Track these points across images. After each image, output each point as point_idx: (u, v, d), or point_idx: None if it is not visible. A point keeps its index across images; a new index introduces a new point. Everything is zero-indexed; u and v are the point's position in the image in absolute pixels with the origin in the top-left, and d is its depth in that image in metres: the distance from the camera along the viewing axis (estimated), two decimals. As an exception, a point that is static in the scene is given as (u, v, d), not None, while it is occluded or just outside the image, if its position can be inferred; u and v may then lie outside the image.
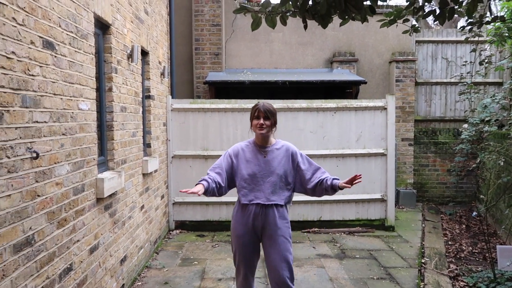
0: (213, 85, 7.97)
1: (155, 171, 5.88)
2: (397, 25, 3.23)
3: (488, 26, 4.30)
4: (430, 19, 21.95)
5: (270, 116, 3.30)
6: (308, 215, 6.92)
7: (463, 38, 9.03)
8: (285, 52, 8.99)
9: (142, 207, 5.21)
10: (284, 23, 2.99)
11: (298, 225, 6.87)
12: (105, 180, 3.64)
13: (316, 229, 6.84)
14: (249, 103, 6.78)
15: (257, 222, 3.31)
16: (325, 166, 6.85)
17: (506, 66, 7.11)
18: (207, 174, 3.30)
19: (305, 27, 3.00)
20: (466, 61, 7.79)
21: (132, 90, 4.76)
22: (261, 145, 3.37)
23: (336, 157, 6.90)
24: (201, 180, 3.17)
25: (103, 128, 4.04)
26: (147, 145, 5.68)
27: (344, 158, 6.91)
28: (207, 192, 3.16)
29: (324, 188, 3.32)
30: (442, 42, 9.12)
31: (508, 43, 4.83)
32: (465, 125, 8.12)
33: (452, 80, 9.04)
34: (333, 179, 3.32)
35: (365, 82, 7.87)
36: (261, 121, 3.26)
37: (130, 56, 4.62)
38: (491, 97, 7.31)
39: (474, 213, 8.24)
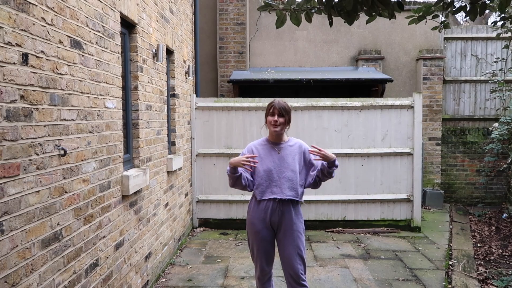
0: (237, 84, 7.99)
1: (179, 169, 5.93)
2: (426, 21, 3.15)
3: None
4: (459, 16, 21.40)
5: (285, 113, 3.37)
6: (332, 214, 6.85)
7: (493, 34, 8.81)
8: (309, 50, 8.93)
9: (167, 204, 5.26)
10: (309, 20, 2.96)
11: (322, 225, 6.82)
12: (130, 178, 3.69)
13: (340, 228, 6.77)
14: (273, 102, 6.76)
15: (274, 217, 3.38)
16: (350, 165, 6.82)
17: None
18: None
19: (331, 23, 2.95)
20: (498, 58, 7.56)
21: (157, 89, 4.81)
22: (275, 142, 3.44)
23: (361, 156, 6.80)
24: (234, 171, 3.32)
25: (129, 126, 4.10)
26: (171, 143, 5.73)
27: (369, 158, 6.81)
28: (242, 178, 3.33)
29: (320, 175, 3.43)
30: (472, 39, 8.88)
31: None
32: (496, 124, 7.89)
33: (482, 78, 8.80)
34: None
35: (391, 80, 7.74)
36: (276, 118, 3.33)
37: (155, 55, 4.66)
38: (523, 95, 7.07)
39: (505, 215, 8.00)
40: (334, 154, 6.87)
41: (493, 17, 19.69)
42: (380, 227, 6.80)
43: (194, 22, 7.18)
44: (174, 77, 5.78)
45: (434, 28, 3.63)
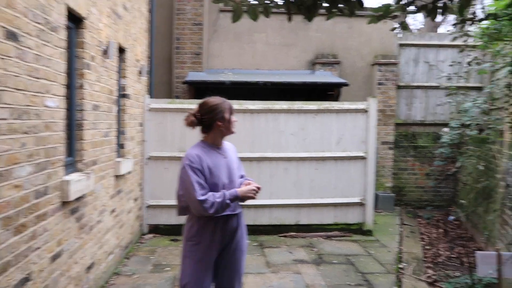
0: (192, 85, 7.82)
1: (129, 172, 5.71)
2: (386, 21, 3.12)
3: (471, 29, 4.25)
4: (411, 23, 22.06)
5: None
6: (286, 219, 6.82)
7: (445, 42, 9.12)
8: (268, 53, 8.89)
9: (113, 210, 5.03)
10: (266, 14, 2.88)
11: (275, 229, 6.77)
12: (72, 183, 3.47)
13: (293, 233, 6.74)
14: (229, 104, 6.64)
15: (226, 234, 2.97)
16: (305, 169, 6.82)
17: (490, 70, 7.12)
18: (206, 197, 2.80)
19: (289, 18, 2.89)
20: (454, 61, 7.78)
21: (106, 88, 4.59)
22: (218, 146, 3.02)
23: (316, 160, 6.81)
24: (223, 199, 2.82)
25: (73, 127, 3.86)
26: (120, 146, 5.49)
27: (324, 161, 6.83)
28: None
29: None
30: (425, 46, 9.13)
31: (493, 46, 4.81)
32: (446, 129, 8.13)
33: (433, 84, 9.07)
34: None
35: (347, 85, 7.82)
36: (235, 118, 3.03)
37: (105, 53, 4.44)
38: (472, 101, 7.32)
39: (451, 217, 8.27)
40: (290, 157, 6.87)
41: (443, 28, 20.48)
42: (333, 231, 6.83)
43: (150, 21, 6.96)
44: (126, 76, 5.55)
45: (393, 29, 3.64)
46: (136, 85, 6.15)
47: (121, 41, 5.17)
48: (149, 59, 6.96)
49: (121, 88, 5.49)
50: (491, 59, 6.86)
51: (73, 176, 3.65)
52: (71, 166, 3.82)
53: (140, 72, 6.28)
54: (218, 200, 2.79)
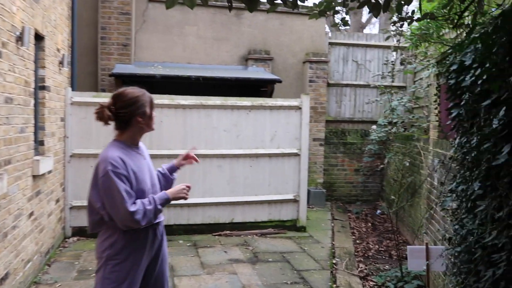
0: (120, 78, 7.36)
1: (49, 172, 5.22)
2: (327, 17, 3.06)
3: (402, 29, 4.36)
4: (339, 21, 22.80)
5: None
6: (220, 217, 6.66)
7: (372, 42, 9.45)
8: (199, 47, 8.64)
9: (31, 214, 4.55)
10: (205, 2, 2.68)
11: (209, 228, 6.59)
12: (-20, 185, 3.04)
13: (228, 232, 6.60)
14: (160, 99, 6.34)
15: (154, 246, 2.65)
16: (239, 166, 6.69)
17: (415, 70, 7.45)
18: (137, 207, 2.42)
19: (230, 8, 2.73)
20: (387, 60, 8.04)
21: (21, 79, 4.11)
22: (137, 145, 2.65)
23: (250, 157, 6.71)
24: (154, 205, 2.48)
25: (-20, 123, 3.40)
26: (39, 143, 5.00)
27: (258, 158, 6.75)
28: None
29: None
30: (353, 45, 9.39)
31: (421, 47, 4.99)
32: (374, 126, 8.42)
33: (362, 83, 9.36)
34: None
35: (280, 81, 7.80)
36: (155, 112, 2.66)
37: (19, 39, 3.97)
38: (398, 100, 7.63)
39: (378, 212, 8.60)
40: (223, 154, 6.71)
41: (368, 29, 21.36)
42: (268, 228, 6.78)
43: (72, 7, 6.43)
44: (45, 66, 5.05)
45: (334, 25, 3.59)
46: (57, 76, 5.64)
47: (39, 28, 4.68)
48: (71, 48, 6.43)
49: (40, 79, 4.99)
50: (416, 60, 7.20)
51: (-18, 178, 3.21)
52: (-20, 166, 3.36)
53: (61, 63, 5.77)
54: (149, 207, 2.43)
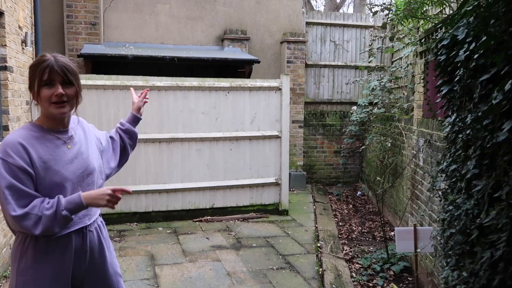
0: (89, 59, 6.95)
1: (16, 159, 4.84)
2: None
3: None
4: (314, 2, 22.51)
5: (74, 79, 1.96)
6: (200, 203, 6.42)
7: (350, 22, 9.28)
8: (172, 27, 8.26)
9: None
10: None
11: (189, 214, 6.36)
12: None
13: (209, 217, 6.38)
14: (133, 80, 6.01)
15: (82, 260, 2.05)
16: (218, 150, 6.45)
17: (395, 49, 7.31)
18: (27, 209, 1.83)
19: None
20: (376, 36, 7.87)
21: (-21, 58, 3.73)
22: (57, 128, 2.01)
23: (229, 140, 6.48)
24: (55, 209, 1.86)
25: None
26: (3, 128, 4.62)
27: (238, 141, 6.53)
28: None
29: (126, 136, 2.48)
30: (331, 25, 9.19)
31: (406, 23, 4.84)
32: (354, 107, 8.31)
33: (340, 63, 9.21)
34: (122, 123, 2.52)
35: (258, 62, 7.55)
36: (60, 90, 1.90)
37: (-26, 13, 3.58)
38: (378, 80, 7.51)
39: (359, 193, 8.55)
40: (202, 138, 6.44)
41: (345, 9, 21.22)
42: (250, 213, 6.60)
43: (33, -18, 5.95)
44: (6, 45, 4.64)
45: None
46: (20, 56, 5.23)
47: (-1, 2, 4.27)
48: (34, 27, 5.97)
49: (1, 59, 4.59)
50: (395, 38, 7.07)
51: None
52: None
53: (24, 42, 5.34)
54: (47, 212, 1.82)
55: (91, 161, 2.10)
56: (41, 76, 1.87)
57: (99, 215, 2.21)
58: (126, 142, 2.46)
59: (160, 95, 6.15)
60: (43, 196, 1.88)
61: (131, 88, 2.70)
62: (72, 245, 1.98)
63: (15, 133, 1.92)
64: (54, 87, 1.89)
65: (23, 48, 5.35)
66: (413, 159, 5.29)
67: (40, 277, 1.92)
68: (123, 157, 2.46)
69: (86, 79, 5.88)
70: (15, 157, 1.83)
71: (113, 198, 1.92)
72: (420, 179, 5.02)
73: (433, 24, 4.79)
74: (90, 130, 2.25)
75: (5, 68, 4.62)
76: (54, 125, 2.00)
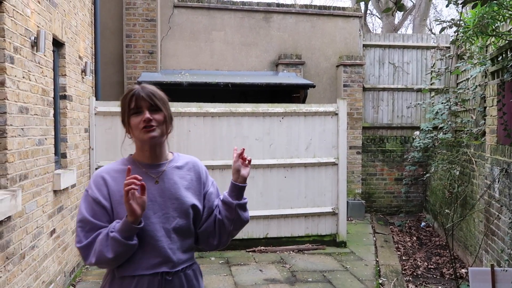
0: (146, 87, 7.05)
1: (73, 186, 4.91)
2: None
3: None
4: (371, 24, 22.11)
5: (161, 104, 1.85)
6: (254, 232, 6.20)
7: (409, 43, 8.89)
8: (227, 53, 8.28)
9: (53, 231, 4.23)
10: None
11: (242, 244, 6.14)
12: (-11, 204, 2.70)
13: (262, 247, 6.13)
14: (187, 107, 5.99)
15: None
16: (272, 177, 6.24)
17: (462, 69, 6.80)
18: (91, 239, 1.76)
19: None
20: (444, 55, 7.44)
21: (38, 87, 3.81)
22: (149, 163, 1.90)
23: (284, 167, 6.25)
24: (106, 232, 1.75)
25: (-8, 135, 3.09)
26: (61, 155, 4.70)
27: (292, 168, 6.28)
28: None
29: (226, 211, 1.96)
30: (389, 46, 8.84)
31: (476, 42, 4.45)
32: (417, 132, 7.82)
33: (400, 86, 8.79)
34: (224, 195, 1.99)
35: (313, 86, 7.33)
36: (147, 114, 1.80)
37: (34, 44, 3.67)
38: (442, 103, 7.02)
39: (423, 224, 7.96)
40: (255, 165, 6.25)
41: (404, 29, 20.62)
42: (305, 244, 6.28)
43: (94, 14, 6.18)
44: (66, 74, 4.77)
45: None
46: (80, 85, 5.37)
47: (58, 33, 4.40)
48: (94, 56, 6.16)
49: (61, 88, 4.71)
50: (463, 58, 6.60)
51: (-8, 196, 2.88)
52: (-10, 182, 3.04)
53: (83, 71, 5.50)
54: (100, 237, 1.73)
55: (179, 202, 1.88)
56: (129, 105, 1.84)
57: (193, 264, 1.93)
58: (223, 216, 1.96)
59: (214, 122, 6.08)
60: None
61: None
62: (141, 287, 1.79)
63: (105, 166, 1.93)
64: (142, 114, 1.82)
65: (82, 77, 5.50)
66: (487, 190, 4.78)
67: None
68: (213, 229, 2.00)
69: (141, 107, 5.93)
70: (94, 189, 1.82)
71: (129, 196, 1.66)
72: (496, 213, 4.50)
73: (507, 41, 4.36)
74: (196, 171, 2.01)
75: (64, 97, 4.73)
76: (145, 158, 1.90)
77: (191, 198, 1.91)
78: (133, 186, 1.66)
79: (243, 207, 1.96)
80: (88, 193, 1.82)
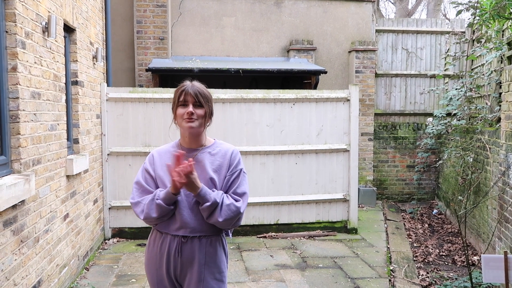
0: (157, 73, 7.07)
1: (85, 171, 4.95)
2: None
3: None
4: (383, 8, 21.82)
5: (204, 101, 2.25)
6: (264, 218, 6.22)
7: (423, 28, 8.73)
8: (238, 39, 8.23)
9: (66, 216, 4.28)
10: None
11: (253, 230, 6.17)
12: (3, 188, 2.74)
13: (273, 233, 6.15)
14: (198, 93, 5.97)
15: (176, 264, 2.29)
16: (283, 164, 6.23)
17: (478, 54, 6.65)
18: (140, 199, 2.29)
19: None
20: (460, 39, 7.31)
21: (49, 73, 3.82)
22: (188, 147, 2.33)
23: (295, 154, 6.23)
24: (152, 197, 2.24)
25: (4, 119, 3.11)
26: (73, 141, 4.73)
27: (303, 155, 6.26)
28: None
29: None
30: (403, 32, 8.70)
31: (492, 25, 4.35)
32: (430, 119, 7.72)
33: (413, 72, 8.66)
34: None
35: (325, 72, 7.26)
36: (190, 108, 2.21)
37: (46, 30, 3.68)
38: (456, 89, 6.90)
39: (435, 211, 7.90)
40: (267, 151, 6.24)
41: (418, 14, 20.28)
42: (316, 230, 6.29)
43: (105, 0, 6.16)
44: (77, 60, 4.78)
45: None
46: (91, 71, 5.38)
47: (68, 18, 4.40)
48: (105, 42, 6.16)
49: (72, 74, 4.72)
50: (480, 41, 6.46)
51: (6, 180, 2.91)
52: (4, 167, 3.07)
53: (95, 57, 5.51)
54: (148, 199, 2.26)
55: (203, 178, 2.29)
56: (179, 98, 2.27)
57: (212, 235, 2.31)
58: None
59: (225, 108, 6.07)
60: None
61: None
62: (167, 243, 2.28)
63: (160, 148, 2.45)
64: (187, 107, 2.24)
65: (94, 63, 5.51)
66: (502, 177, 4.71)
67: (150, 258, 2.35)
68: None
69: (152, 93, 5.94)
70: (147, 162, 2.38)
71: (179, 174, 2.10)
72: (511, 200, 4.44)
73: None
74: (226, 156, 2.35)
75: (76, 83, 4.75)
76: (185, 143, 2.35)
77: (213, 177, 2.29)
78: (176, 170, 2.11)
79: (204, 210, 2.23)
80: (144, 165, 2.39)
